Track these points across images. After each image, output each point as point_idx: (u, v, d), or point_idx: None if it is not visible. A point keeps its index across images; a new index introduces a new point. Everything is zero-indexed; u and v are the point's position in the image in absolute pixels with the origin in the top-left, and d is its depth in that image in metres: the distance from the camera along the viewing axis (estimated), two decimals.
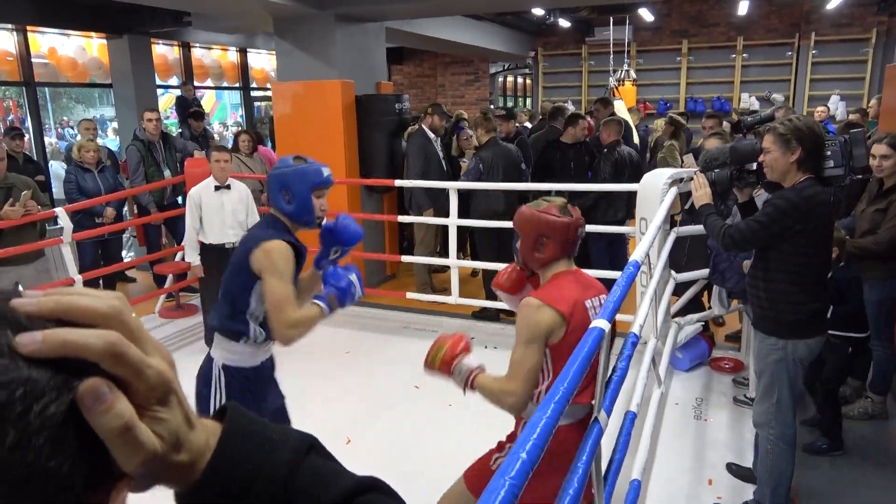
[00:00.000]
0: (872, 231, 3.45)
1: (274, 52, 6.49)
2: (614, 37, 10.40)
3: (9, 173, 4.27)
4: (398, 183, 5.06)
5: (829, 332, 3.18)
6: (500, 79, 15.22)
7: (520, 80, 16.01)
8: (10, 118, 7.48)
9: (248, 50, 9.82)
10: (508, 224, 4.57)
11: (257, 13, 5.72)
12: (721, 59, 11.09)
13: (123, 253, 6.74)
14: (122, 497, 0.41)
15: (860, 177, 3.36)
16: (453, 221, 4.72)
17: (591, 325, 1.58)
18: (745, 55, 10.95)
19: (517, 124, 8.13)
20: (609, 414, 1.71)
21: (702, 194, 2.83)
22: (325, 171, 2.20)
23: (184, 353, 4.86)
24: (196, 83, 9.12)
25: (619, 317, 2.03)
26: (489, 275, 5.01)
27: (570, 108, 10.26)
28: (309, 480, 0.47)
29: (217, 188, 4.70)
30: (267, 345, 2.28)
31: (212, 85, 9.62)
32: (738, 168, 2.86)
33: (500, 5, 7.21)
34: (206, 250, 4.68)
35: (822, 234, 2.57)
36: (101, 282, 5.60)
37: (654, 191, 3.72)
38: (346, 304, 2.16)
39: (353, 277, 2.18)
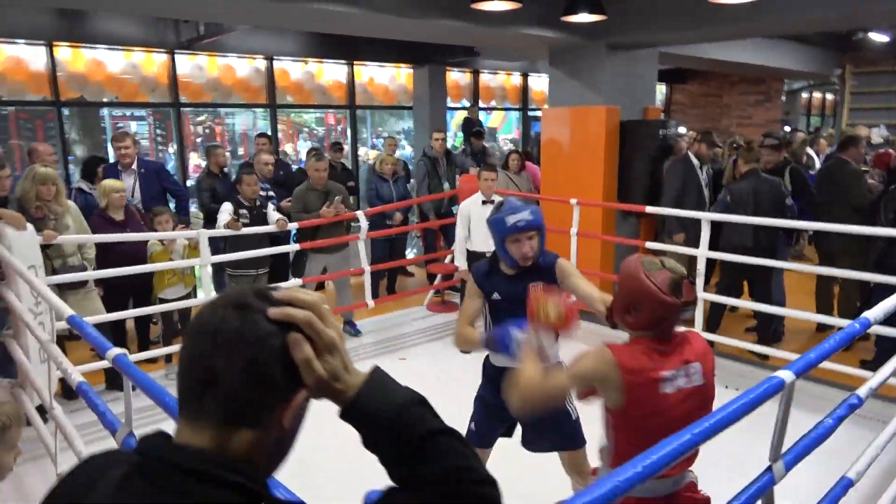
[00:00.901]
0: None
1: None
2: None
3: (329, 181, 5.41)
4: (648, 209, 5.10)
5: None
6: (805, 95, 13.71)
7: (828, 96, 14.22)
8: (340, 129, 9.24)
9: (529, 74, 10.55)
10: (756, 260, 4.35)
11: (536, 45, 6.23)
12: None
13: (407, 251, 7.86)
14: (302, 396, 0.77)
15: None
16: (702, 253, 4.62)
17: (774, 374, 1.62)
18: None
19: (816, 153, 7.39)
20: (789, 468, 1.71)
21: None
22: (511, 220, 2.35)
23: (439, 345, 5.58)
24: (482, 104, 10.15)
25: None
26: (724, 310, 4.77)
27: (882, 133, 8.92)
28: (414, 418, 0.80)
29: (484, 202, 5.31)
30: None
31: (496, 105, 10.57)
32: None
33: (796, 25, 6.56)
34: (472, 256, 5.31)
35: None
36: (386, 273, 6.68)
37: None
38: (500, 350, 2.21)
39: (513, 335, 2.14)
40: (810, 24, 6.04)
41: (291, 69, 7.90)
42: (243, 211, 5.02)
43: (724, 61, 8.63)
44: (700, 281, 4.71)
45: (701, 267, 4.66)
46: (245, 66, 7.59)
